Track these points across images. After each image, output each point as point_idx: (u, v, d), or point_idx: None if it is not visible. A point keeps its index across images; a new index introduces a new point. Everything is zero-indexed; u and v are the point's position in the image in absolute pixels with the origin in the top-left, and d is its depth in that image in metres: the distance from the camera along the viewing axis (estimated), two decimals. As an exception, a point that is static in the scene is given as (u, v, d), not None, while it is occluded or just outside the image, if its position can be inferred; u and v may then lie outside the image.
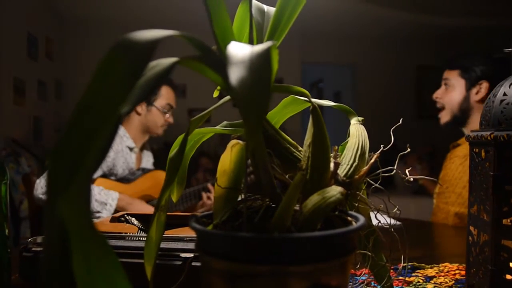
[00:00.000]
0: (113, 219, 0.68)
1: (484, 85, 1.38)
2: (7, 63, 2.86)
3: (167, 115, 1.77)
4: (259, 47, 0.26)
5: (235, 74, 0.23)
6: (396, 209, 0.43)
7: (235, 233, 0.28)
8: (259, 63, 0.24)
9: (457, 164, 1.34)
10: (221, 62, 0.29)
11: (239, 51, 0.26)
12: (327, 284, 0.29)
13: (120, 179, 1.67)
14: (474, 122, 1.42)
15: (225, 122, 0.45)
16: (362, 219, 0.32)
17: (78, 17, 4.01)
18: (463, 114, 1.42)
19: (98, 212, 1.50)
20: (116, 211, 1.52)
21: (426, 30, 4.66)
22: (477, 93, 1.40)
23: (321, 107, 0.47)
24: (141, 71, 0.24)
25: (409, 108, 5.11)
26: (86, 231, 0.24)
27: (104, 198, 1.51)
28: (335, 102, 0.49)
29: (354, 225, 0.32)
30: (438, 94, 1.51)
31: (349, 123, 0.48)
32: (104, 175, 1.64)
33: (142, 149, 1.86)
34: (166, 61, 0.28)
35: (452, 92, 1.45)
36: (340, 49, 5.02)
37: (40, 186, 1.51)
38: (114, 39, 0.25)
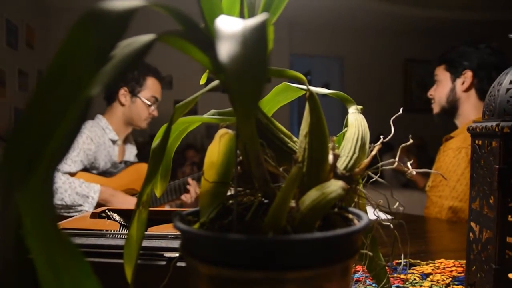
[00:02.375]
0: (94, 215, 0.64)
1: (468, 74, 1.41)
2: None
3: (152, 107, 1.71)
4: (253, 20, 0.22)
5: (225, 50, 0.19)
6: (397, 204, 0.40)
7: (224, 234, 0.25)
8: (254, 38, 0.20)
9: (451, 157, 1.32)
10: (208, 38, 0.26)
11: (230, 24, 0.22)
12: (328, 291, 0.26)
13: (102, 173, 1.62)
14: (464, 113, 1.44)
15: (212, 111, 0.42)
16: (365, 217, 0.29)
17: (60, 4, 3.90)
18: (450, 105, 1.46)
19: (80, 205, 1.45)
20: (98, 204, 1.48)
21: (415, 23, 4.66)
22: (462, 83, 1.41)
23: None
24: (113, 46, 0.21)
25: (396, 101, 5.13)
26: (49, 231, 0.21)
27: (86, 190, 1.46)
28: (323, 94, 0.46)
29: (358, 224, 0.28)
30: (430, 92, 1.53)
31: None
32: (86, 169, 1.58)
33: (125, 141, 1.81)
34: (144, 38, 0.24)
35: (440, 86, 1.48)
36: (328, 41, 5.00)
37: None
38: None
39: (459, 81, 1.42)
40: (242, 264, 0.25)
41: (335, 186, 0.29)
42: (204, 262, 0.26)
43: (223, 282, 0.25)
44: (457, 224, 1.16)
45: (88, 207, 1.46)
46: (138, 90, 1.68)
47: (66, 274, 0.22)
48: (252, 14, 0.35)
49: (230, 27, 0.22)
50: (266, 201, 0.34)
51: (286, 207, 0.28)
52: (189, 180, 1.73)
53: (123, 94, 1.66)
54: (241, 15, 0.34)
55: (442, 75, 1.47)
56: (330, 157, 0.33)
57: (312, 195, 0.29)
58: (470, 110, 1.42)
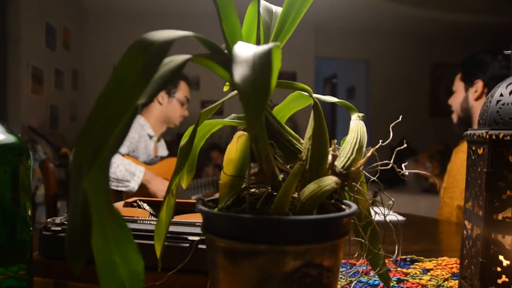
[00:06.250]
0: (126, 204, 0.72)
1: (480, 84, 1.44)
2: (26, 52, 2.93)
3: (184, 107, 1.95)
4: (261, 48, 0.29)
5: (238, 73, 0.26)
6: (391, 201, 0.46)
7: (237, 214, 0.31)
8: (261, 63, 0.27)
9: (462, 159, 1.36)
10: (229, 60, 0.32)
11: (244, 51, 0.29)
12: (319, 264, 0.32)
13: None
14: None
15: (233, 115, 0.48)
16: (354, 206, 0.35)
17: (95, 8, 4.07)
18: (465, 114, 1.48)
19: (127, 181, 1.65)
20: (141, 184, 1.68)
21: (443, 27, 4.62)
22: (475, 92, 1.43)
23: (337, 104, 0.50)
24: (157, 68, 0.27)
25: (422, 105, 5.09)
26: (104, 208, 0.28)
27: (133, 169, 1.67)
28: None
29: (346, 211, 0.35)
30: (450, 100, 1.56)
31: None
32: (129, 156, 1.75)
33: (158, 140, 1.98)
34: (179, 58, 0.31)
35: (456, 95, 1.51)
36: (354, 44, 5.00)
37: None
38: (129, 30, 0.29)
39: (471, 90, 1.45)
40: (251, 238, 0.31)
41: (330, 181, 0.35)
42: (220, 237, 0.32)
43: (236, 253, 0.32)
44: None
45: (134, 184, 1.67)
46: (174, 91, 1.93)
47: (113, 239, 0.29)
48: (267, 35, 0.42)
49: (243, 53, 0.28)
50: (274, 193, 0.40)
51: (289, 197, 0.34)
52: None
53: (161, 95, 1.90)
54: (258, 37, 0.40)
55: (457, 83, 1.51)
56: (329, 157, 0.39)
57: (310, 188, 0.35)
58: None
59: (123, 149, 1.74)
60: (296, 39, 4.60)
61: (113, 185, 1.65)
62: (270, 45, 0.29)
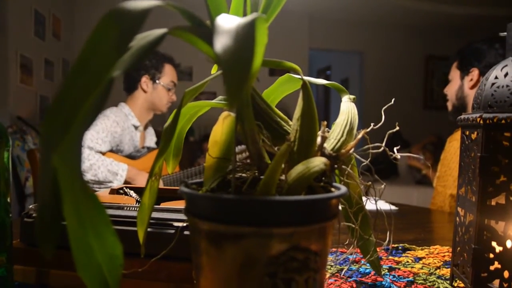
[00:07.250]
0: (112, 191, 0.70)
1: (475, 72, 1.43)
2: (13, 41, 2.87)
3: (171, 92, 1.86)
4: (245, 19, 0.27)
5: (219, 43, 0.24)
6: (383, 185, 0.45)
7: (221, 195, 0.30)
8: (244, 33, 0.25)
9: (455, 147, 1.35)
10: (211, 33, 0.31)
11: (227, 22, 0.27)
12: (306, 248, 0.31)
13: (127, 156, 1.74)
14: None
15: (220, 97, 0.47)
16: (344, 188, 0.34)
17: (86, -3, 4.00)
18: (460, 102, 1.47)
19: (110, 182, 1.59)
20: (125, 181, 1.62)
21: (437, 19, 4.60)
22: (470, 80, 1.43)
23: (330, 89, 0.48)
24: (132, 38, 0.26)
25: (416, 98, 5.08)
26: (76, 185, 0.26)
27: (115, 168, 1.60)
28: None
29: (335, 192, 0.33)
30: (445, 88, 1.56)
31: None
32: (112, 151, 1.70)
33: (145, 128, 1.92)
34: (157, 31, 0.29)
35: (451, 84, 1.50)
36: (348, 36, 4.98)
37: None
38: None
39: (467, 79, 1.44)
40: (236, 220, 0.30)
41: (318, 162, 0.34)
42: (204, 219, 0.31)
43: (219, 236, 0.30)
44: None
45: (117, 184, 1.60)
46: (158, 77, 1.83)
47: (88, 222, 0.28)
48: (254, 11, 0.40)
49: (226, 24, 0.27)
50: (261, 177, 0.39)
51: (275, 178, 0.33)
52: None
53: (145, 81, 1.81)
54: (244, 12, 0.38)
55: (453, 72, 1.50)
56: (318, 139, 0.38)
57: (298, 169, 0.34)
58: None
59: (105, 146, 1.64)
60: (290, 30, 4.59)
61: (95, 187, 1.60)
62: (254, 15, 0.27)
